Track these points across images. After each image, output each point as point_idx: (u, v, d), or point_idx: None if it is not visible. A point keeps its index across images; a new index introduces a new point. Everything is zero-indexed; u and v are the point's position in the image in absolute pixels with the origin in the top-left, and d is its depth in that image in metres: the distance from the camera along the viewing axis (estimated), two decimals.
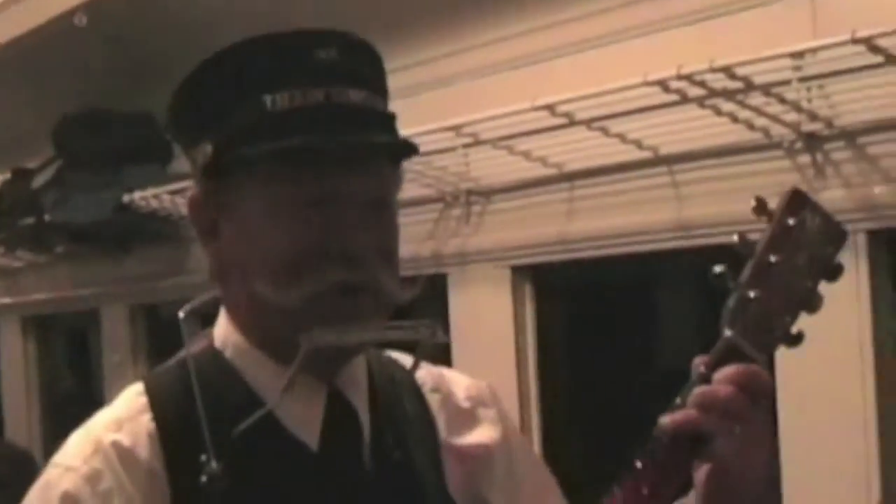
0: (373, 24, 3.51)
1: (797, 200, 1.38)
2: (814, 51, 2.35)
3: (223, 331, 1.60)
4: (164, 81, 1.62)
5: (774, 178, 2.63)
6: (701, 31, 2.70)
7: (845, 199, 2.51)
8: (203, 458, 1.44)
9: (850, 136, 2.52)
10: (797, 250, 1.37)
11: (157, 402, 1.53)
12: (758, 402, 1.38)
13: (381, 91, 1.58)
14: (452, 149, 3.12)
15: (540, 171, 3.10)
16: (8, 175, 4.87)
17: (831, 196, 2.51)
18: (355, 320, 1.47)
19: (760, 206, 1.38)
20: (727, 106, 2.57)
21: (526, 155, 3.06)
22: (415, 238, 3.56)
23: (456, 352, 3.47)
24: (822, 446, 2.55)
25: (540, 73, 3.08)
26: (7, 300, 6.10)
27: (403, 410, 1.67)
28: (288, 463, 1.53)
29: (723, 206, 2.73)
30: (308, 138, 1.46)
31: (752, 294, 1.36)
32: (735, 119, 2.61)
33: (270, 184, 1.48)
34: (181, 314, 1.59)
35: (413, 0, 3.37)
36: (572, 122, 2.79)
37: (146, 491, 1.47)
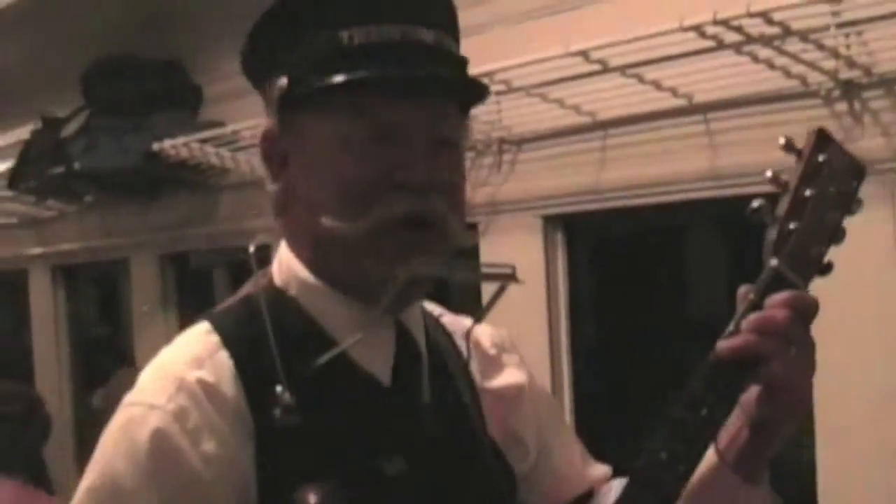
0: None
1: (823, 139, 1.47)
2: None
3: (285, 268, 1.61)
4: (193, 29, 1.61)
5: (811, 127, 2.59)
6: None
7: (883, 147, 2.49)
8: (278, 391, 1.47)
9: (888, 83, 2.49)
10: (828, 185, 1.45)
11: (230, 340, 1.53)
12: (808, 325, 1.44)
13: (453, 33, 1.61)
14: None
15: (573, 119, 3.07)
16: (38, 124, 4.87)
17: (869, 144, 2.49)
18: (421, 254, 1.49)
19: (789, 145, 1.46)
20: (764, 52, 2.54)
21: (559, 102, 3.04)
22: None
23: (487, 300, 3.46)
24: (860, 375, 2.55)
25: (574, 19, 3.04)
26: (37, 250, 6.12)
27: (448, 353, 1.71)
28: (360, 397, 1.56)
29: (758, 154, 2.69)
30: (381, 71, 1.49)
31: (791, 226, 1.43)
32: (772, 66, 2.58)
33: (342, 115, 1.51)
34: (251, 248, 1.59)
35: None
36: (606, 69, 2.76)
37: (233, 427, 1.48)
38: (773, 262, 1.43)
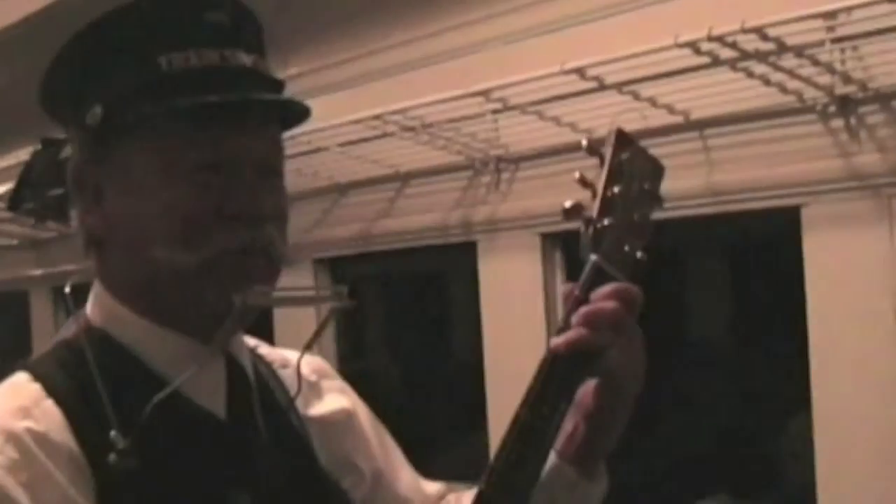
0: None
1: (623, 139, 1.52)
2: (848, 10, 2.32)
3: (104, 307, 1.56)
4: None
5: (807, 143, 2.61)
6: None
7: (879, 162, 2.49)
8: (112, 435, 1.41)
9: (884, 98, 2.50)
10: (631, 183, 1.51)
11: (54, 388, 1.46)
12: (634, 315, 1.48)
13: (264, 54, 1.57)
14: (481, 115, 3.10)
15: (570, 136, 3.07)
16: (37, 146, 4.87)
17: (865, 160, 2.49)
18: (251, 282, 1.46)
19: (591, 147, 1.53)
20: (759, 68, 2.54)
21: (556, 120, 3.04)
22: (444, 205, 3.55)
23: (486, 319, 3.46)
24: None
25: (570, 38, 3.04)
26: (37, 271, 6.12)
27: (272, 383, 1.69)
28: (198, 433, 1.52)
29: (755, 171, 2.71)
30: (206, 97, 1.45)
31: (605, 222, 1.49)
32: (767, 82, 2.58)
33: (166, 145, 1.46)
34: (66, 290, 1.56)
35: None
36: (602, 87, 2.76)
37: (71, 475, 1.40)
38: (593, 257, 1.48)
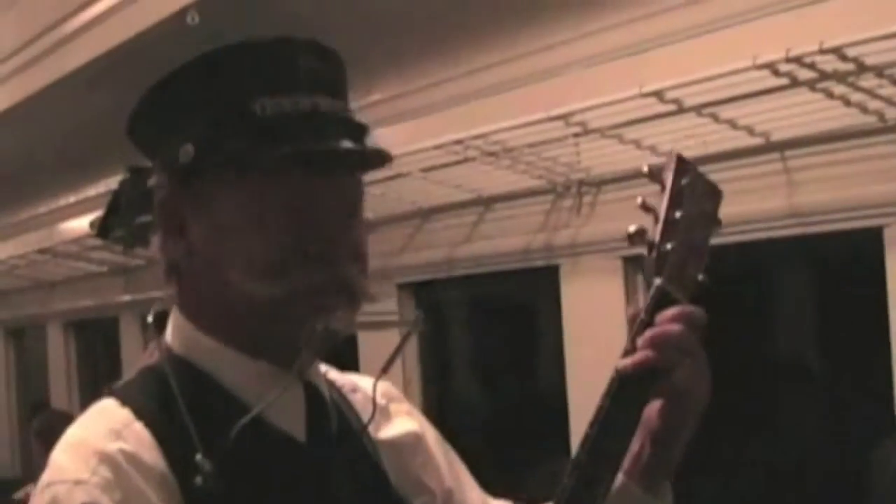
0: (483, 15, 3.54)
1: (682, 164, 1.54)
2: None
3: (184, 335, 1.61)
4: None
5: (889, 163, 2.60)
6: (810, 12, 2.67)
7: None
8: (198, 458, 1.46)
9: None
10: (691, 206, 1.53)
11: (142, 411, 1.51)
12: (698, 336, 1.51)
13: (347, 97, 1.63)
14: (562, 139, 3.12)
15: (650, 159, 3.07)
16: (126, 174, 4.95)
17: None
18: (331, 316, 1.51)
19: (652, 173, 1.54)
20: (839, 89, 2.54)
21: (636, 143, 3.05)
22: (526, 229, 3.56)
23: (568, 342, 3.47)
24: None
25: (648, 60, 3.06)
26: (125, 297, 6.21)
27: (346, 408, 1.73)
28: (278, 456, 1.56)
29: (836, 192, 2.69)
30: (298, 145, 1.51)
31: (668, 246, 1.52)
32: (847, 102, 2.58)
33: (255, 186, 1.52)
34: (149, 319, 1.62)
35: None
36: (681, 109, 2.77)
37: (160, 495, 1.45)
38: (657, 281, 1.51)
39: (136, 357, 5.28)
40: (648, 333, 1.48)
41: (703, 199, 1.55)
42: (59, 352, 7.28)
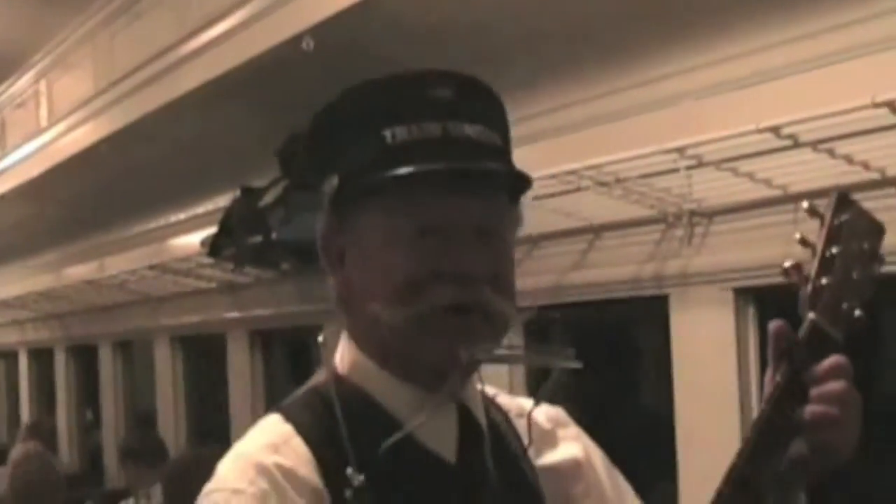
0: (596, 46, 3.54)
1: (843, 201, 1.55)
2: None
3: (348, 357, 1.69)
4: None
5: None
6: None
7: None
8: (349, 472, 1.54)
9: None
10: (851, 243, 1.53)
11: (303, 428, 1.61)
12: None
13: (499, 129, 1.67)
14: (675, 170, 3.11)
15: (764, 192, 3.06)
16: (238, 194, 5.02)
17: None
18: (468, 337, 1.56)
19: (812, 209, 1.55)
20: None
21: (750, 176, 3.03)
22: (636, 259, 3.55)
23: (677, 372, 3.46)
24: None
25: (764, 93, 3.03)
26: (235, 314, 6.28)
27: (507, 432, 1.77)
28: (427, 475, 1.62)
29: None
30: (423, 165, 1.57)
31: (823, 281, 1.52)
32: None
33: (389, 211, 1.59)
34: (320, 339, 1.70)
35: (634, 22, 3.37)
36: (797, 144, 2.75)
37: None
38: (811, 315, 1.51)
39: (241, 373, 5.37)
40: (826, 388, 1.49)
41: (864, 235, 1.55)
42: (166, 365, 7.39)
